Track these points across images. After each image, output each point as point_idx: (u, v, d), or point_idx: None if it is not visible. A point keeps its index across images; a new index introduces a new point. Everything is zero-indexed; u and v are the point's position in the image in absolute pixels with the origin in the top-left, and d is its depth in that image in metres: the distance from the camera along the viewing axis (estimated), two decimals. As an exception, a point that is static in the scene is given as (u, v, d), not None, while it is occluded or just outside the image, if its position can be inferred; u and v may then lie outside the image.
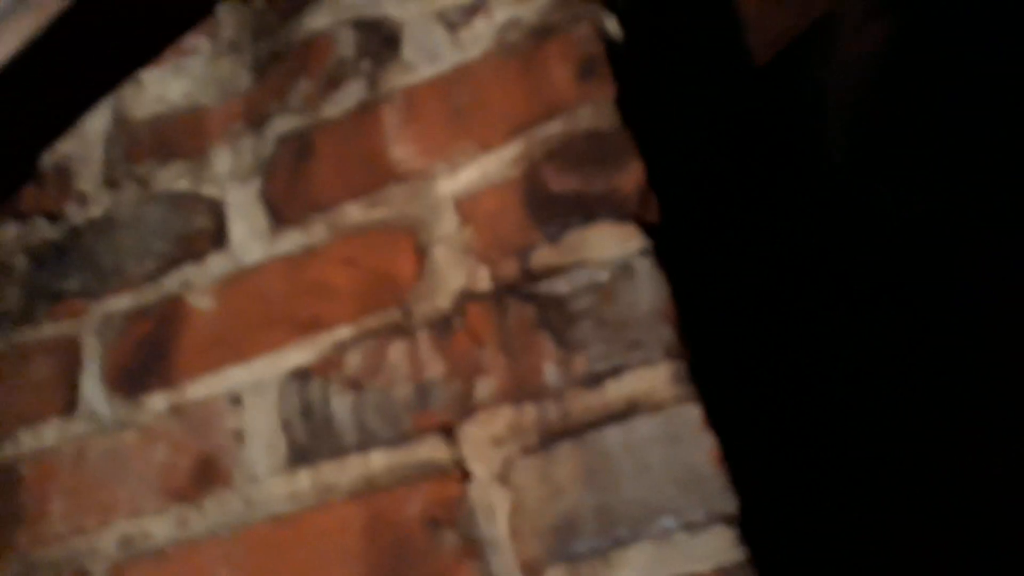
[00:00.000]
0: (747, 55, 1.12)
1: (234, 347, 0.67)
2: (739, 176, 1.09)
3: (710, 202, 0.89)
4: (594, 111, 0.63)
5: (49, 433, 0.71)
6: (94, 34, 0.68)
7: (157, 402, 0.68)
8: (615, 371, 0.54)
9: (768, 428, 0.73)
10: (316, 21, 0.77)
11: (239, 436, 0.64)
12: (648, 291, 0.55)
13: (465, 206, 0.65)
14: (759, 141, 1.12)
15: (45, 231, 0.79)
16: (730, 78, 1.10)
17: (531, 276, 0.60)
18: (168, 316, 0.71)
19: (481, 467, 0.56)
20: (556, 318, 0.57)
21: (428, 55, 0.71)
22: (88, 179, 0.80)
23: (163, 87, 0.80)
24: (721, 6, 1.08)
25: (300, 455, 0.61)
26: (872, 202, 1.20)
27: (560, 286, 0.58)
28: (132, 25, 0.72)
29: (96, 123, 0.81)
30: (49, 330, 0.75)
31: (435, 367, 0.59)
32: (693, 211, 0.70)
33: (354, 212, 0.68)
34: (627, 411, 0.54)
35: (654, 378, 0.54)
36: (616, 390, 0.54)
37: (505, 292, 0.60)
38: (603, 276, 0.57)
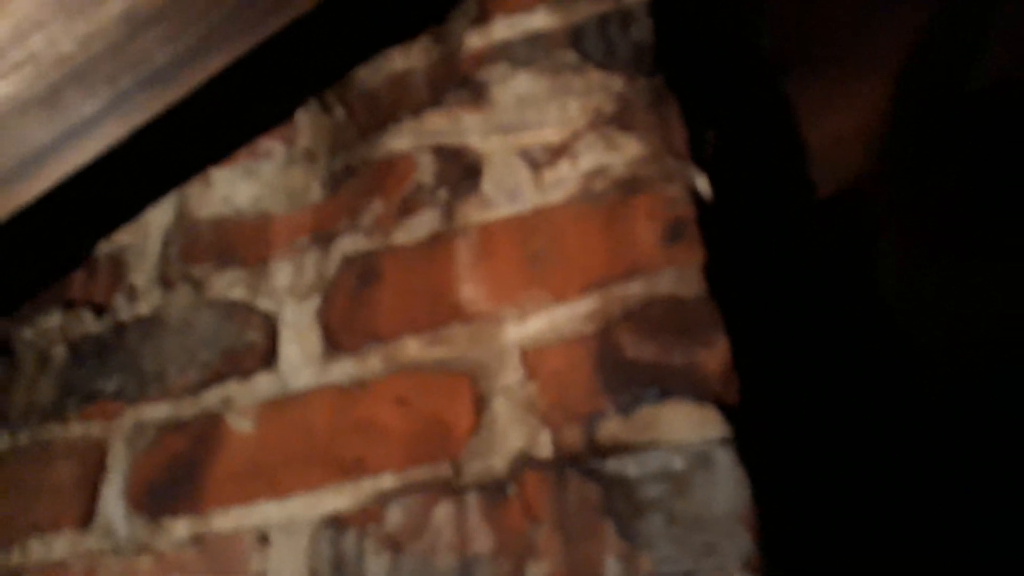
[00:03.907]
0: (811, 188, 1.14)
1: (269, 480, 0.65)
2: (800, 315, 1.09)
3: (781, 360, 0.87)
4: (679, 277, 0.62)
5: (60, 545, 0.69)
6: (174, 136, 0.69)
7: (180, 528, 0.66)
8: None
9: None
10: (397, 142, 0.78)
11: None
12: (727, 489, 0.53)
13: (532, 358, 0.64)
14: (818, 272, 1.13)
15: (89, 324, 0.79)
16: (793, 209, 1.12)
17: (597, 449, 0.58)
18: (204, 435, 0.69)
19: (523, 662, 0.53)
20: (622, 505, 0.54)
21: (508, 193, 0.71)
22: (141, 274, 0.80)
23: (231, 188, 0.81)
24: (789, 141, 1.10)
25: (326, 617, 0.58)
26: (926, 341, 1.22)
27: (629, 468, 0.56)
28: (210, 123, 0.73)
29: (158, 217, 0.83)
30: (77, 430, 0.74)
31: (483, 540, 0.57)
32: (770, 390, 0.68)
33: (413, 347, 0.67)
34: (692, 622, 0.50)
35: (725, 586, 0.51)
36: (682, 595, 0.51)
37: (568, 464, 0.58)
38: (678, 464, 0.55)
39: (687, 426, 0.57)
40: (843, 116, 1.10)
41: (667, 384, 0.59)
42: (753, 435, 0.58)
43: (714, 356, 0.58)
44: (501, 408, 0.62)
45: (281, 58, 0.68)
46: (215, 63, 0.60)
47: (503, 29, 0.80)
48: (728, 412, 0.57)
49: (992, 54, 1.06)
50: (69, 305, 0.81)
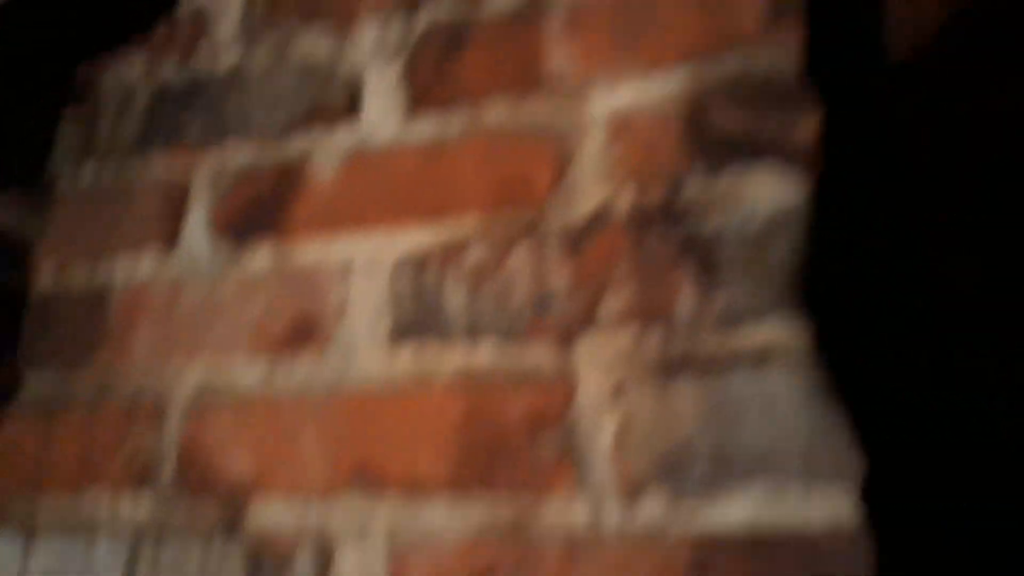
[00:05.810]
0: (883, 49, 1.12)
1: (352, 218, 0.69)
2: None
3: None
4: (778, 53, 0.63)
5: (146, 264, 0.73)
6: None
7: (262, 256, 0.70)
8: (754, 315, 0.55)
9: (905, 406, 0.73)
10: (493, -88, 0.78)
11: (344, 303, 0.66)
12: (802, 250, 0.56)
13: (618, 124, 0.66)
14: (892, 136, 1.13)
15: (171, 73, 0.81)
16: (867, 71, 1.11)
17: (679, 208, 0.60)
18: (286, 178, 0.73)
19: (592, 382, 0.57)
20: (699, 255, 0.57)
21: (606, -34, 0.72)
22: (225, 29, 0.82)
23: (322, -51, 0.82)
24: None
25: (404, 332, 0.63)
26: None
27: (708, 226, 0.59)
28: None
29: (245, -27, 0.83)
30: (160, 170, 0.78)
31: (561, 276, 0.60)
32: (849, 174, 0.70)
33: (499, 110, 0.69)
34: (760, 358, 0.54)
35: (793, 333, 0.54)
36: (752, 335, 0.55)
37: (649, 218, 0.61)
38: (755, 225, 0.58)
39: (771, 191, 0.59)
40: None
41: (755, 150, 0.61)
42: (833, 203, 0.60)
43: (806, 128, 0.60)
44: (585, 166, 0.65)
45: None
46: None
47: None
48: (812, 180, 0.59)
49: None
50: (152, 55, 0.83)
